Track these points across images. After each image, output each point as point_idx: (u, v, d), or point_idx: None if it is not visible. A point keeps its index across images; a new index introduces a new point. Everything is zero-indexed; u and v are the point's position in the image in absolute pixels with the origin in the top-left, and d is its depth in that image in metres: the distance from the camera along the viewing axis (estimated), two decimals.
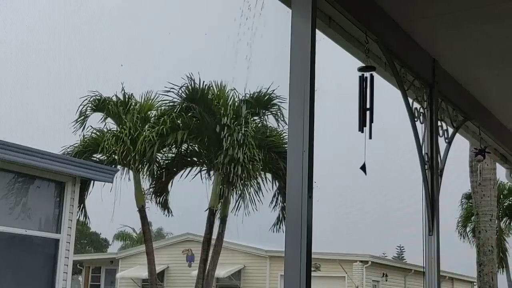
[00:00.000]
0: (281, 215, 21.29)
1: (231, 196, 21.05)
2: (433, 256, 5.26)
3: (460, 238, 28.09)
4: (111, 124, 22.24)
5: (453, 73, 5.77)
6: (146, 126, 21.28)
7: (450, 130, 5.91)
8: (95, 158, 21.65)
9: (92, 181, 18.61)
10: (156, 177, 21.85)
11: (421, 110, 5.35)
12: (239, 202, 21.06)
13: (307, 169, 3.53)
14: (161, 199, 22.26)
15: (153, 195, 22.18)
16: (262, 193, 21.29)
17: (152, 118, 21.75)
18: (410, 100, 5.23)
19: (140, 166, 21.15)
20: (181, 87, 20.85)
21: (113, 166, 20.80)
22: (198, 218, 23.51)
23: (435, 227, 5.28)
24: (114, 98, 22.08)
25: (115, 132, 21.66)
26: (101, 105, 21.89)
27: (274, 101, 21.09)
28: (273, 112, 21.25)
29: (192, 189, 23.36)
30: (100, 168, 16.29)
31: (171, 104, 21.34)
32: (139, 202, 21.70)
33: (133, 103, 22.17)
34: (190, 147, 21.84)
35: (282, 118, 20.94)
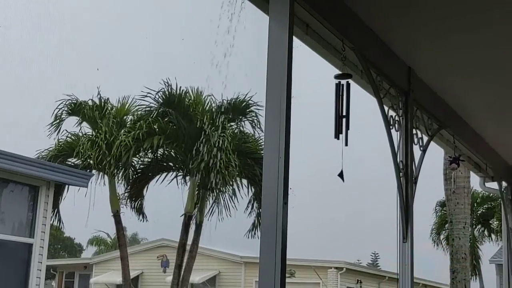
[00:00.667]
0: (256, 221, 21.29)
1: (207, 202, 21.03)
2: (407, 263, 5.30)
3: (434, 245, 28.33)
4: (86, 128, 22.12)
5: (428, 82, 5.83)
6: (122, 131, 21.16)
7: (425, 138, 5.96)
8: (70, 163, 21.47)
9: (66, 186, 18.44)
10: (132, 182, 21.74)
11: (397, 118, 5.40)
12: (213, 208, 21.06)
13: (282, 176, 3.53)
14: (136, 204, 22.14)
15: (128, 200, 22.07)
16: (237, 199, 21.33)
17: (128, 123, 21.64)
18: (386, 108, 5.27)
19: (115, 170, 21.02)
20: (158, 92, 20.81)
21: (88, 170, 20.65)
22: (173, 224, 23.44)
23: (409, 234, 5.32)
24: (90, 102, 21.94)
25: (90, 136, 21.52)
26: (76, 109, 21.73)
27: (251, 108, 21.15)
28: (250, 118, 21.31)
29: (168, 194, 23.30)
30: (75, 172, 16.16)
31: (147, 109, 21.27)
32: (114, 207, 21.56)
33: (109, 108, 22.05)
34: (166, 152, 21.77)
35: (258, 125, 20.99)
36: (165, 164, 21.88)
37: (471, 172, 12.69)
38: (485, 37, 4.98)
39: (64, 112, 21.75)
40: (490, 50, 5.18)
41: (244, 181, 21.51)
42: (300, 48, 4.30)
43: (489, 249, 28.50)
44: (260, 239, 3.57)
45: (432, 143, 6.19)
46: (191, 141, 20.27)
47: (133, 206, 22.12)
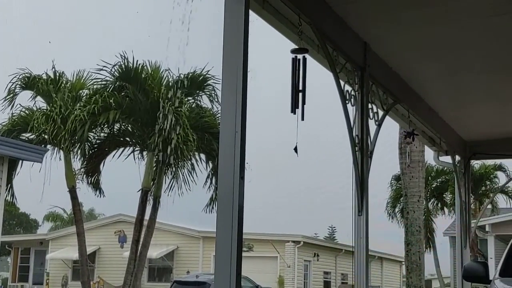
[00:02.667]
0: (214, 196, 21.24)
1: (165, 177, 20.93)
2: (362, 235, 5.38)
3: (389, 218, 28.76)
4: (41, 103, 21.69)
5: (384, 57, 5.88)
6: (78, 105, 20.80)
7: (380, 113, 6.02)
8: (24, 137, 21.07)
9: (20, 161, 18.11)
10: (88, 157, 21.47)
11: (353, 93, 5.44)
12: (172, 183, 20.98)
13: (239, 150, 3.53)
14: (92, 179, 21.88)
15: (85, 175, 21.79)
16: (196, 173, 21.27)
17: (84, 97, 21.29)
18: (342, 83, 5.30)
19: (71, 145, 20.70)
20: (114, 65, 20.46)
21: (43, 145, 20.30)
22: (130, 199, 23.32)
23: (364, 208, 5.39)
24: (45, 76, 21.50)
25: (45, 110, 21.12)
26: (30, 83, 21.27)
27: (209, 82, 21.00)
28: (208, 93, 21.17)
29: (125, 169, 23.08)
30: (29, 147, 15.87)
31: (103, 83, 20.94)
32: (69, 183, 21.28)
33: (64, 82, 21.65)
34: (123, 127, 21.51)
35: (216, 99, 20.84)
36: (121, 139, 21.64)
37: (425, 146, 12.89)
38: (438, 13, 5.02)
39: (17, 86, 21.28)
40: (443, 25, 5.23)
41: (203, 156, 21.47)
42: (256, 22, 4.28)
43: (443, 222, 29.16)
44: (217, 214, 3.57)
45: (387, 117, 6.26)
46: (148, 116, 20.07)
47: (89, 181, 21.86)
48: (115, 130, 21.64)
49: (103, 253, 33.61)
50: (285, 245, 31.57)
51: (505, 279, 5.05)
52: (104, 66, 20.66)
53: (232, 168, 3.51)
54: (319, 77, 5.91)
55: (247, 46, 3.59)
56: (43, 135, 20.86)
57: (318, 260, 33.12)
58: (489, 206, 26.93)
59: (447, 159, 8.72)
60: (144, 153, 21.19)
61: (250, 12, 3.79)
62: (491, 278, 5.16)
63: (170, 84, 20.88)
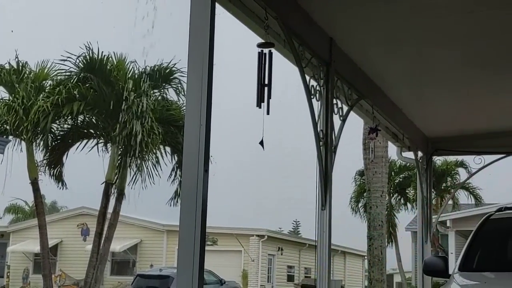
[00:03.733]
0: (179, 189, 21.16)
1: (129, 170, 20.78)
2: (325, 230, 5.42)
3: (353, 213, 29.02)
4: (2, 93, 21.34)
5: (349, 53, 5.92)
6: (41, 96, 20.52)
7: (345, 108, 6.07)
8: None
9: None
10: (51, 149, 21.19)
11: (318, 88, 5.46)
12: (136, 176, 20.83)
13: (203, 144, 3.53)
14: (55, 171, 21.61)
15: (47, 167, 21.52)
16: (160, 166, 21.16)
17: (47, 88, 20.99)
18: (307, 78, 5.32)
19: (33, 137, 20.42)
20: (78, 56, 20.22)
21: (5, 136, 19.97)
22: (94, 192, 23.04)
23: (327, 202, 5.43)
24: (7, 66, 21.15)
25: (7, 101, 20.78)
26: None
27: (175, 75, 20.90)
28: (174, 85, 21.06)
29: (88, 161, 22.83)
30: None
31: (67, 74, 20.68)
32: (31, 174, 20.98)
33: (27, 72, 21.31)
34: (87, 118, 21.29)
35: (183, 92, 20.71)
36: (85, 131, 21.41)
37: (389, 142, 13.03)
38: (403, 9, 5.08)
39: None
40: (408, 22, 5.29)
41: (168, 149, 21.37)
42: (223, 15, 4.28)
43: (405, 217, 29.51)
44: (180, 207, 3.57)
45: (352, 113, 6.31)
46: (113, 108, 19.87)
47: (52, 173, 21.59)
48: (79, 121, 21.41)
49: (65, 246, 33.25)
50: (250, 239, 31.63)
51: (464, 273, 5.14)
52: (69, 57, 20.41)
53: (196, 161, 3.51)
54: (285, 71, 5.94)
55: (213, 39, 3.58)
56: (4, 125, 20.51)
57: (282, 254, 33.28)
58: (451, 202, 27.36)
59: (410, 155, 8.84)
60: (108, 145, 21.00)
61: (217, 5, 3.78)
62: (450, 272, 5.24)
63: (136, 76, 20.71)
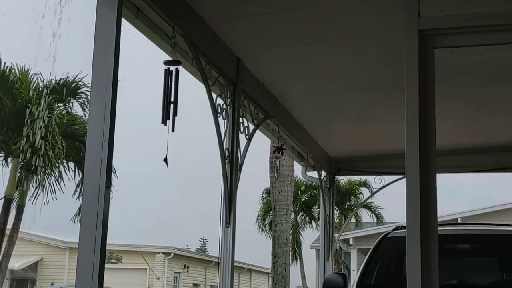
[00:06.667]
0: None
1: (30, 184, 20.12)
2: (229, 247, 5.46)
3: (259, 231, 29.26)
4: None
5: (255, 73, 6.03)
6: None
7: (251, 127, 6.16)
8: None
9: None
10: None
11: (224, 107, 5.53)
12: (38, 191, 20.19)
13: (106, 159, 3.50)
14: None
15: None
16: (64, 182, 20.61)
17: None
18: (214, 96, 5.38)
19: None
20: None
21: None
22: None
23: (231, 220, 5.48)
24: None
25: None
26: None
27: (82, 89, 20.52)
28: (80, 100, 20.66)
29: None
30: None
31: None
32: None
33: None
34: None
35: (88, 107, 20.34)
36: None
37: (295, 161, 13.27)
38: (308, 34, 5.22)
39: None
40: (312, 46, 5.45)
41: (71, 164, 20.88)
42: (129, 32, 4.27)
43: (310, 235, 30.04)
44: (80, 223, 3.51)
45: (258, 132, 6.41)
46: (15, 121, 19.25)
47: None
48: None
49: None
50: (155, 257, 31.24)
51: None
52: None
53: (98, 177, 3.47)
54: (193, 90, 5.97)
55: (118, 55, 3.57)
56: None
57: (188, 272, 33.05)
58: (354, 221, 28.10)
59: (314, 174, 9.04)
60: (9, 159, 20.28)
61: (123, 21, 3.78)
62: None
63: (40, 89, 20.16)
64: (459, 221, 22.69)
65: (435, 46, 3.65)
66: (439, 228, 3.57)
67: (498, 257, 5.87)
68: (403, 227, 5.94)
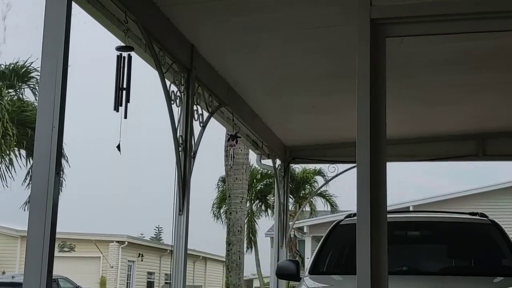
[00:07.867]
0: None
1: None
2: (182, 235, 5.44)
3: (215, 219, 29.23)
4: None
5: (209, 60, 5.99)
6: None
7: (206, 115, 6.13)
8: None
9: None
10: None
11: (178, 94, 5.49)
12: None
13: (55, 146, 3.44)
14: None
15: None
16: (15, 169, 20.24)
17: None
18: (168, 83, 5.33)
19: None
20: None
21: None
22: None
23: (185, 207, 5.46)
24: None
25: None
26: None
27: (32, 74, 20.12)
28: (31, 85, 20.26)
29: None
30: None
31: None
32: None
33: None
34: None
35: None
36: None
37: (250, 149, 13.28)
38: (264, 20, 5.20)
39: None
40: (268, 33, 5.44)
41: (23, 152, 20.50)
42: (80, 16, 4.20)
43: (266, 223, 30.17)
44: (29, 210, 3.45)
45: (213, 120, 6.39)
46: None
47: None
48: None
49: None
50: (109, 245, 30.97)
51: (313, 276, 5.37)
52: None
53: (47, 164, 3.41)
54: (146, 76, 5.91)
55: (68, 39, 3.50)
56: None
57: (142, 260, 32.87)
58: (308, 209, 28.31)
59: (269, 162, 9.06)
60: None
61: (74, 5, 3.71)
62: (301, 275, 5.45)
63: None
64: (411, 209, 23.10)
65: (386, 35, 3.68)
66: (389, 215, 3.63)
67: (447, 243, 6.00)
68: (355, 214, 6.03)
